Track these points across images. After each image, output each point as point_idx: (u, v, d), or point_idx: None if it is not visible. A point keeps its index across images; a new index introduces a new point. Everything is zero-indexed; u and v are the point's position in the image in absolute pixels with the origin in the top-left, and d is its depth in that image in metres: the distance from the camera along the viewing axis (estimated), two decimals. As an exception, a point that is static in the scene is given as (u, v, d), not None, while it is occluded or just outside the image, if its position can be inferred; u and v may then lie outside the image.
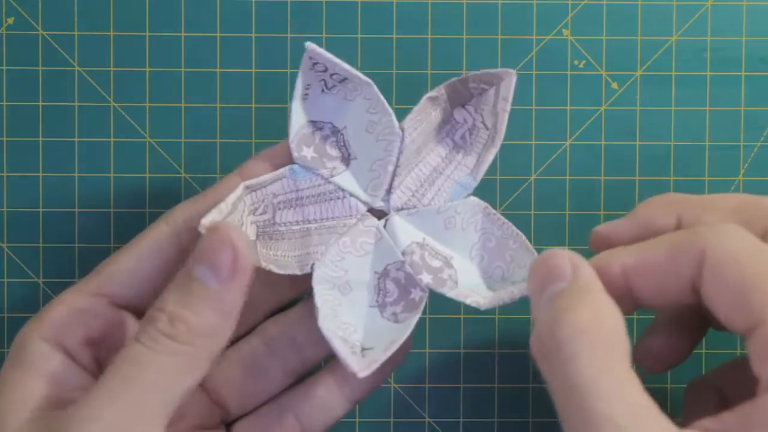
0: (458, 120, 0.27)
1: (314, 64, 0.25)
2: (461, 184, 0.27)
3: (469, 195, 0.27)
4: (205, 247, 0.22)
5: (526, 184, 0.30)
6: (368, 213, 0.26)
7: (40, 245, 0.30)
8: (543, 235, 0.30)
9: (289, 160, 0.26)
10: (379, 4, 0.30)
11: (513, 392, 0.30)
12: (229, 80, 0.30)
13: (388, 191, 0.26)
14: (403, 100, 0.30)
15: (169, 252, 0.25)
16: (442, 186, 0.27)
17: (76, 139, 0.30)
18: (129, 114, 0.30)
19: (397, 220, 0.26)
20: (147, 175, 0.30)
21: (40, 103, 0.30)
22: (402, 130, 0.25)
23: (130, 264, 0.25)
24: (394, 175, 0.26)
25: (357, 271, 0.26)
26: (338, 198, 0.26)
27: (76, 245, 0.30)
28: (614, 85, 0.30)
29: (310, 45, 0.24)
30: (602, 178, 0.30)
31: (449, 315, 0.30)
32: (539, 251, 0.30)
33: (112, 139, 0.30)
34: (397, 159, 0.26)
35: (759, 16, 0.30)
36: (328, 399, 0.26)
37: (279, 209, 0.26)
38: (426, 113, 0.26)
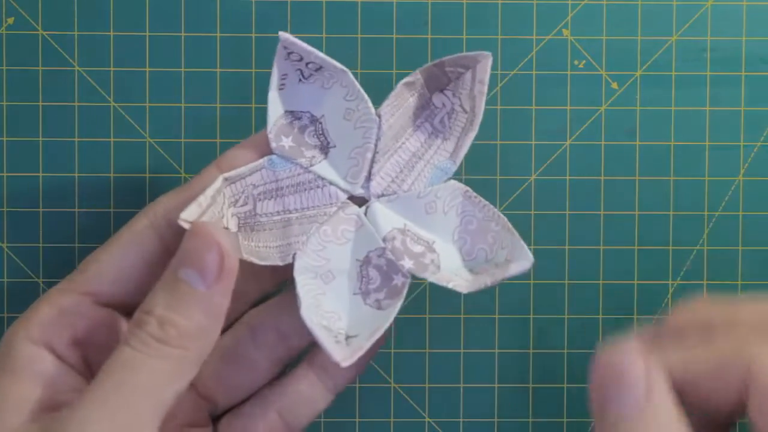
0: (437, 105, 0.27)
1: (289, 53, 0.25)
2: (441, 169, 0.27)
3: (449, 179, 0.27)
4: (190, 248, 0.22)
5: (526, 184, 0.30)
6: (348, 201, 0.26)
7: (40, 245, 0.30)
8: (543, 235, 0.30)
9: (269, 150, 0.26)
10: (379, 4, 0.30)
11: (513, 392, 0.30)
12: (228, 80, 0.30)
13: (368, 178, 0.26)
14: (403, 100, 0.30)
15: (151, 247, 0.25)
16: (421, 171, 0.27)
17: (76, 139, 0.30)
18: (129, 114, 0.30)
19: (377, 206, 0.26)
20: (147, 175, 0.30)
21: (40, 103, 0.30)
22: (379, 116, 0.25)
23: (112, 261, 0.25)
24: (372, 161, 0.26)
25: (339, 259, 0.26)
26: (318, 187, 0.26)
27: (76, 245, 0.30)
28: (614, 85, 0.30)
29: (283, 34, 0.24)
30: (602, 178, 0.30)
31: (449, 315, 0.30)
32: (539, 251, 0.30)
33: (112, 139, 0.30)
34: (375, 146, 0.26)
35: (759, 16, 0.30)
36: (310, 393, 0.26)
37: (259, 200, 0.26)
38: (403, 98, 0.26)
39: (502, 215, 0.26)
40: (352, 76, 0.25)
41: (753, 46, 0.30)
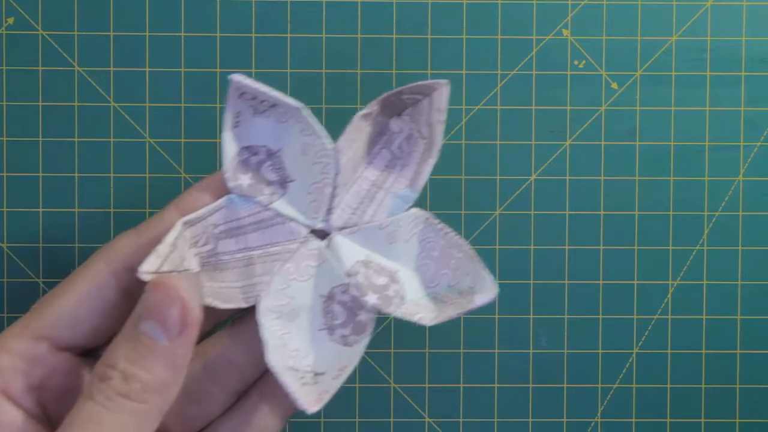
0: (394, 130, 0.26)
1: (242, 93, 0.24)
2: (401, 197, 0.26)
3: (410, 207, 0.26)
4: (152, 302, 0.22)
5: (526, 184, 0.30)
6: (310, 235, 0.26)
7: (40, 245, 0.30)
8: (543, 235, 0.30)
9: (228, 189, 0.25)
10: (379, 4, 0.30)
11: (513, 392, 0.30)
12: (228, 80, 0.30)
13: (328, 211, 0.26)
14: (403, 100, 0.30)
15: (110, 294, 0.24)
16: (382, 201, 0.26)
17: (76, 139, 0.30)
18: (129, 114, 0.30)
19: (339, 239, 0.26)
20: (147, 175, 0.30)
21: (40, 103, 0.30)
22: (336, 151, 0.25)
23: (70, 306, 0.24)
24: (332, 196, 0.26)
25: (303, 296, 0.26)
26: (279, 223, 0.26)
27: (76, 245, 0.30)
28: (614, 85, 0.30)
29: (235, 77, 0.24)
30: (602, 178, 0.30)
31: (449, 315, 0.30)
32: (539, 251, 0.30)
33: (112, 139, 0.30)
34: (334, 181, 0.25)
35: (759, 16, 0.30)
36: (263, 423, 0.26)
37: (221, 239, 0.25)
38: (360, 131, 0.26)
39: (465, 242, 0.26)
40: (307, 113, 0.24)
41: (753, 46, 0.30)
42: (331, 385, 0.24)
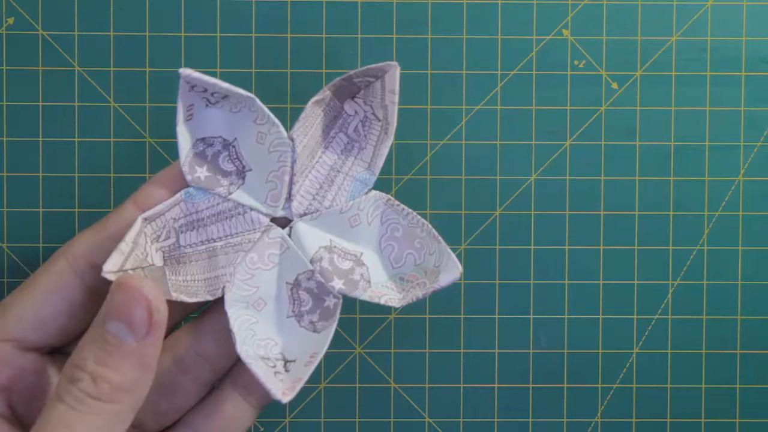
0: (349, 113, 0.26)
1: (192, 86, 0.24)
2: (360, 181, 0.26)
3: (370, 190, 0.26)
4: (117, 302, 0.22)
5: (526, 184, 0.30)
6: (272, 223, 0.26)
7: (40, 245, 0.30)
8: (543, 235, 0.30)
9: (185, 182, 0.25)
10: (379, 4, 0.30)
11: (513, 392, 0.30)
12: (229, 80, 0.30)
13: (288, 198, 0.26)
14: (404, 100, 0.30)
15: (72, 290, 0.24)
16: (341, 185, 0.26)
17: (76, 139, 0.30)
18: (129, 114, 0.30)
19: (301, 226, 0.26)
20: (147, 175, 0.30)
21: (40, 103, 0.30)
22: (292, 139, 0.25)
23: (33, 307, 0.24)
24: (291, 183, 0.26)
25: (269, 284, 0.26)
26: (239, 214, 0.26)
27: (76, 245, 0.30)
28: (614, 85, 0.30)
29: (183, 71, 0.24)
30: (602, 178, 0.30)
31: (449, 315, 0.30)
32: (539, 251, 0.30)
33: (112, 139, 0.30)
34: (292, 168, 0.25)
35: (759, 16, 0.30)
36: (236, 412, 0.26)
37: (182, 232, 0.25)
38: (314, 117, 0.26)
39: (426, 222, 0.26)
40: (260, 102, 0.25)
41: (753, 46, 0.30)
42: (304, 373, 0.24)
